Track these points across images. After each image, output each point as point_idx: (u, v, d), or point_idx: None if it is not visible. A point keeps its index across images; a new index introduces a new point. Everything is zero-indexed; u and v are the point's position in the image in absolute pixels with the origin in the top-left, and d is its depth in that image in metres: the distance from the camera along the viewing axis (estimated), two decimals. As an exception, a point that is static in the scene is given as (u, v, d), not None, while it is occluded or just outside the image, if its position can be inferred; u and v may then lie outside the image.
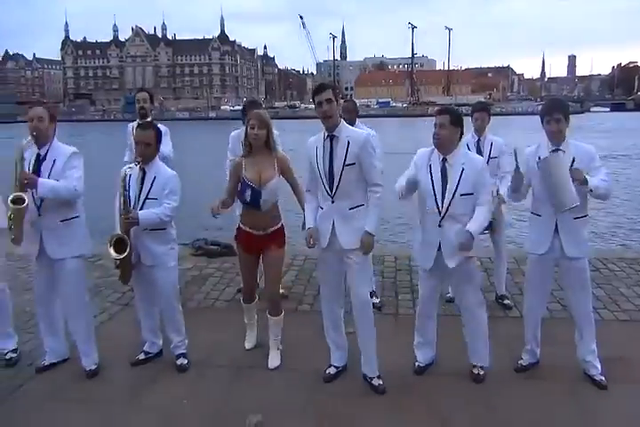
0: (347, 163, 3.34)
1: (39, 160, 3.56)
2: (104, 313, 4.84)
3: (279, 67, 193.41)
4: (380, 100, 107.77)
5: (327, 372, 3.69)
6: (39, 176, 3.50)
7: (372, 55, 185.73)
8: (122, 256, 3.55)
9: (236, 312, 4.31)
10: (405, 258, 6.05)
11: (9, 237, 3.59)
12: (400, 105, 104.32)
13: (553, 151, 3.37)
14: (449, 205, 3.33)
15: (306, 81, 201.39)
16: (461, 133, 3.43)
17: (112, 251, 3.54)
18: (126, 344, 4.11)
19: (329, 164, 3.39)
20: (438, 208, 3.36)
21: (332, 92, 3.32)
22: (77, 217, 3.73)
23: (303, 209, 3.70)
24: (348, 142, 3.35)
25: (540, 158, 3.38)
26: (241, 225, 3.77)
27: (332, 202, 3.42)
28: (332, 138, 3.39)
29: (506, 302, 4.76)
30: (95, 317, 4.47)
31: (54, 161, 3.57)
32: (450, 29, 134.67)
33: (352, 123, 4.87)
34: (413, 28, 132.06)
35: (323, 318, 3.71)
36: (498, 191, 4.40)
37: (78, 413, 3.36)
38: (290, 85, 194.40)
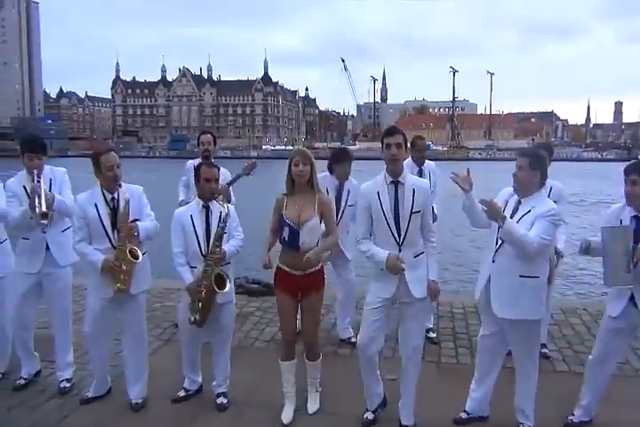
0: (414, 210, 3.34)
1: (115, 203, 3.68)
2: (146, 348, 4.90)
3: (320, 108, 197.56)
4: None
5: (365, 417, 3.62)
6: (117, 218, 3.65)
7: (412, 98, 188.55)
8: (225, 290, 3.61)
9: (276, 353, 4.28)
10: (447, 304, 5.97)
11: (112, 286, 3.65)
12: (440, 148, 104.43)
13: (633, 217, 3.23)
14: (502, 242, 3.30)
15: (346, 123, 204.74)
16: (542, 177, 3.36)
17: (215, 287, 3.58)
18: (167, 380, 4.13)
19: (394, 210, 3.37)
20: (496, 243, 3.35)
21: (403, 138, 3.36)
22: (146, 252, 3.87)
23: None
24: (414, 190, 3.36)
25: (621, 222, 3.26)
26: (279, 264, 3.68)
27: (400, 251, 3.36)
28: (396, 184, 3.39)
29: (543, 350, 4.59)
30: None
31: (128, 201, 3.69)
32: (492, 74, 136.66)
33: (422, 161, 4.96)
34: (455, 71, 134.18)
35: (360, 364, 3.60)
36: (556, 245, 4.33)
37: (119, 447, 3.38)
38: (330, 127, 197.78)
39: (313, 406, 3.82)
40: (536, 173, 3.31)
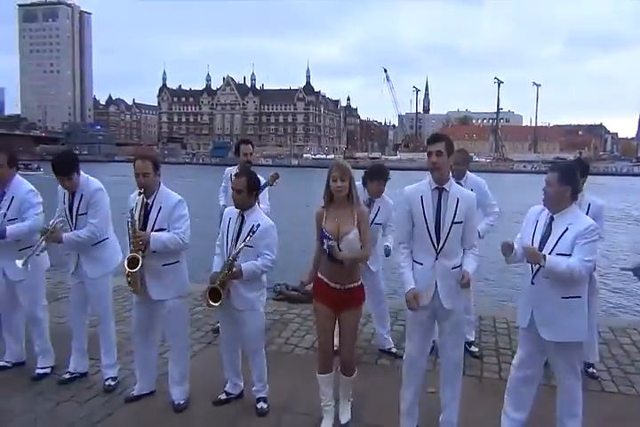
0: (455, 220, 3.28)
1: (146, 209, 3.77)
2: (188, 350, 4.97)
3: (361, 118, 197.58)
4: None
5: None
6: (146, 224, 3.75)
7: (455, 109, 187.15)
8: (217, 304, 3.65)
9: (315, 360, 4.28)
10: (490, 318, 5.87)
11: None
12: (484, 160, 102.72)
13: None
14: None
15: (387, 133, 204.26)
16: (574, 192, 3.25)
17: (209, 300, 3.64)
18: (208, 382, 4.18)
19: (436, 217, 3.31)
20: (531, 265, 3.25)
21: (445, 145, 3.29)
22: (178, 262, 3.93)
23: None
24: (458, 199, 3.30)
25: None
26: (319, 274, 3.64)
27: (436, 259, 3.32)
28: (440, 190, 3.34)
29: (591, 370, 4.46)
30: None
31: (160, 208, 3.78)
32: (538, 85, 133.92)
33: (461, 175, 4.91)
34: (499, 83, 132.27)
35: (403, 378, 3.54)
36: None
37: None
38: (371, 136, 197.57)
39: (345, 416, 3.78)
40: (566, 189, 3.20)
